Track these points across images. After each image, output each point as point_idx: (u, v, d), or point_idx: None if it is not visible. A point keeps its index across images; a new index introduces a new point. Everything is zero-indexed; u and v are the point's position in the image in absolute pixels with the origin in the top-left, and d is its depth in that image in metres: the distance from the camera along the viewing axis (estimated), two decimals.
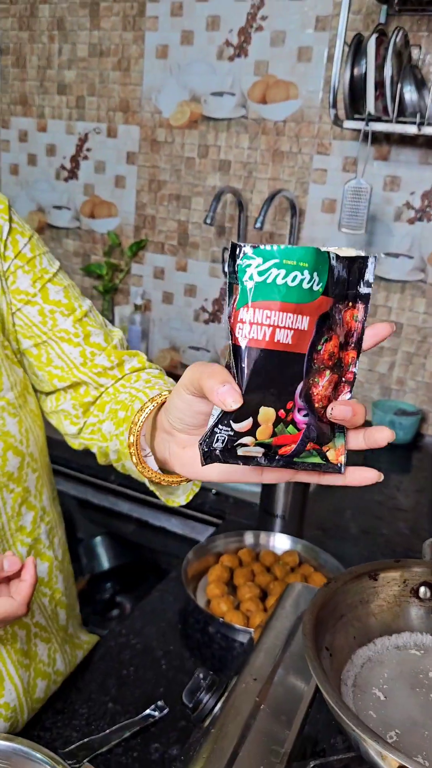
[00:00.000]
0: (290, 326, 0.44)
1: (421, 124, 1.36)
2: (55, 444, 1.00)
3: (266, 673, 0.66)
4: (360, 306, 0.47)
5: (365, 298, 0.47)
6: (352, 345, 0.47)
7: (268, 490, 1.17)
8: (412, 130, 1.37)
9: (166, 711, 0.81)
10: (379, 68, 1.36)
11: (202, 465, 0.47)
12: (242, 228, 1.76)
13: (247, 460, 0.47)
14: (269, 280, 0.43)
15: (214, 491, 1.35)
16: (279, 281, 0.43)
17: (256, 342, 0.44)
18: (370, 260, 0.46)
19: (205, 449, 0.46)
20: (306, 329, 0.45)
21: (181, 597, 1.02)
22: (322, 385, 0.46)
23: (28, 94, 2.03)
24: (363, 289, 0.46)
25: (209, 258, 1.88)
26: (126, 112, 1.90)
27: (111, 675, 0.86)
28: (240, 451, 0.47)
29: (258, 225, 1.54)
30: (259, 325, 0.44)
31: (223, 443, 0.46)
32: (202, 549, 1.08)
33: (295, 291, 0.44)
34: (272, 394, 0.45)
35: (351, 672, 0.61)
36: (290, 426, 0.46)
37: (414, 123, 1.36)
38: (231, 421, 0.45)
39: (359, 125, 1.42)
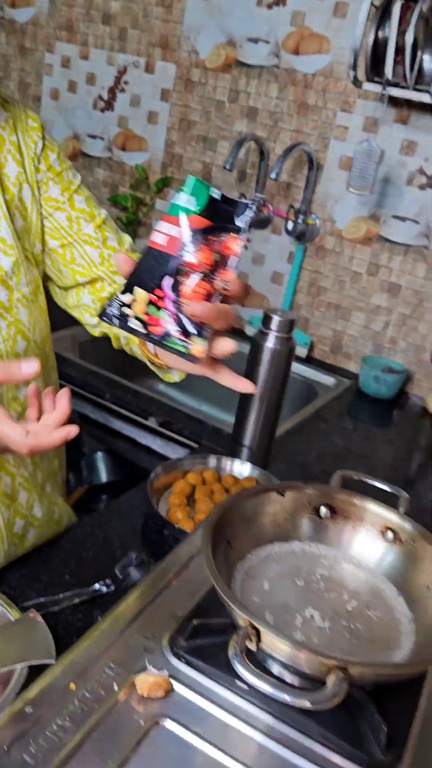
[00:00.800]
0: (167, 233, 0.62)
1: None
2: (62, 361, 1.13)
3: (185, 560, 0.80)
4: (238, 238, 0.62)
5: (241, 232, 0.62)
6: (229, 267, 0.62)
7: (240, 421, 1.30)
8: (426, 99, 1.42)
9: (112, 588, 0.96)
10: (403, 34, 1.40)
11: (99, 319, 0.71)
12: (262, 176, 1.83)
13: (134, 332, 0.64)
14: (172, 202, 0.63)
15: (211, 427, 1.48)
16: (176, 202, 0.62)
17: (150, 241, 0.63)
18: (250, 205, 0.62)
19: (103, 308, 0.64)
20: (177, 237, 0.62)
21: (146, 503, 1.16)
22: (188, 285, 0.62)
23: (74, 21, 2.09)
24: (240, 224, 0.62)
25: None
26: (165, 49, 1.95)
27: (72, 555, 1.02)
28: (129, 323, 0.63)
29: (273, 176, 1.61)
30: (156, 231, 0.63)
31: (115, 309, 0.63)
32: (170, 465, 1.22)
33: (177, 208, 0.62)
34: (146, 279, 0.63)
35: (246, 564, 0.74)
36: (161, 311, 0.63)
37: (429, 92, 1.41)
38: (119, 293, 0.63)
39: (377, 88, 1.47)
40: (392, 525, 0.76)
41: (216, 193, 0.62)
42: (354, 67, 1.48)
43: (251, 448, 1.31)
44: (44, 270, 0.97)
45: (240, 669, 0.52)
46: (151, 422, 1.48)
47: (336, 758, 0.60)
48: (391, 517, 0.76)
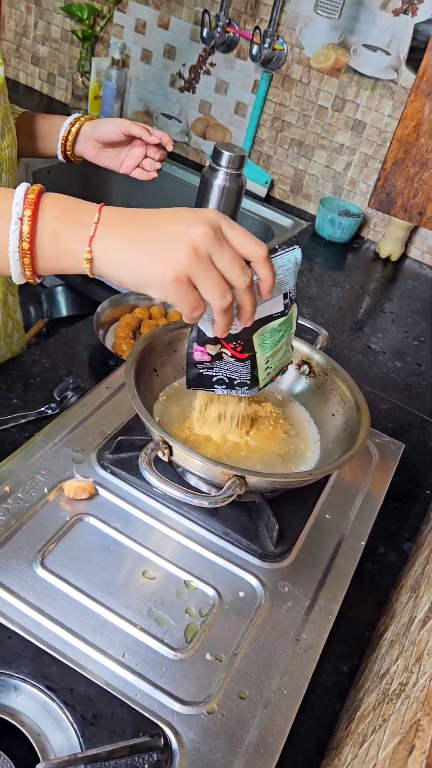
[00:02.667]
0: None
1: None
2: None
3: (117, 386, 0.86)
4: None
5: None
6: None
7: None
8: None
9: (57, 411, 1.04)
10: None
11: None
12: None
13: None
14: None
15: None
16: None
17: None
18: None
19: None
20: None
21: (93, 335, 1.21)
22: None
23: None
24: None
25: (192, 18, 1.81)
26: None
27: (19, 380, 1.08)
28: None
29: None
30: None
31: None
32: (117, 300, 1.25)
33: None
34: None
35: (168, 389, 0.81)
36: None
37: None
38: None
39: None
40: (307, 358, 0.82)
41: None
42: None
43: None
44: None
45: (146, 474, 0.60)
46: None
47: (236, 550, 0.70)
48: (307, 351, 0.82)
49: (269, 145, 1.85)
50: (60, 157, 1.01)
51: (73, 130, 0.98)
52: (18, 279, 0.57)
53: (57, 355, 1.16)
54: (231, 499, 0.61)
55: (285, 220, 1.81)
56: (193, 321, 0.56)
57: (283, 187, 1.89)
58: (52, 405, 1.04)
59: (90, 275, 0.56)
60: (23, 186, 0.54)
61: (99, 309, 1.21)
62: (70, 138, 0.98)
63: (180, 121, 1.96)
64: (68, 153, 1.00)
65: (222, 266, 0.53)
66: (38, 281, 0.58)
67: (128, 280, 0.54)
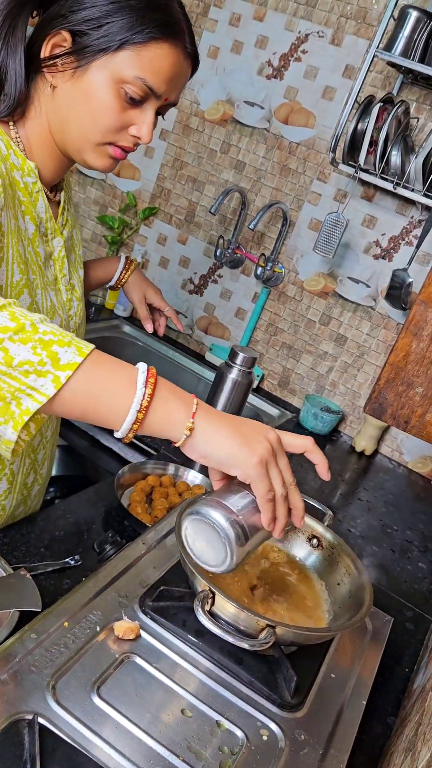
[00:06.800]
0: None
1: (397, 184, 1.66)
2: None
3: (152, 543, 0.99)
4: None
5: None
6: None
7: None
8: (389, 187, 1.67)
9: (79, 563, 1.14)
10: (378, 129, 1.65)
11: None
12: (240, 223, 2.05)
13: None
14: None
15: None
16: None
17: None
18: None
19: None
20: None
21: (111, 496, 1.34)
22: None
23: None
24: None
25: (207, 239, 2.17)
26: None
27: (46, 532, 1.19)
28: None
29: (252, 226, 1.83)
30: None
31: None
32: (134, 467, 1.41)
33: None
34: None
35: None
36: None
37: (392, 182, 1.67)
38: None
39: (350, 170, 1.72)
40: (317, 533, 0.97)
41: None
42: (333, 149, 1.72)
43: None
44: None
45: (201, 618, 0.72)
46: None
47: (257, 697, 0.80)
48: (317, 527, 0.97)
49: (263, 345, 2.14)
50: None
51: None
52: (120, 434, 0.68)
53: (79, 511, 1.28)
54: (268, 645, 0.73)
55: (272, 410, 2.05)
56: (266, 503, 0.72)
57: (272, 381, 2.15)
58: (75, 557, 1.15)
59: (180, 446, 0.70)
60: (143, 367, 0.68)
61: (119, 472, 1.36)
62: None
63: (186, 317, 2.26)
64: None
65: (282, 465, 0.71)
66: (129, 440, 0.69)
67: (218, 455, 0.70)
